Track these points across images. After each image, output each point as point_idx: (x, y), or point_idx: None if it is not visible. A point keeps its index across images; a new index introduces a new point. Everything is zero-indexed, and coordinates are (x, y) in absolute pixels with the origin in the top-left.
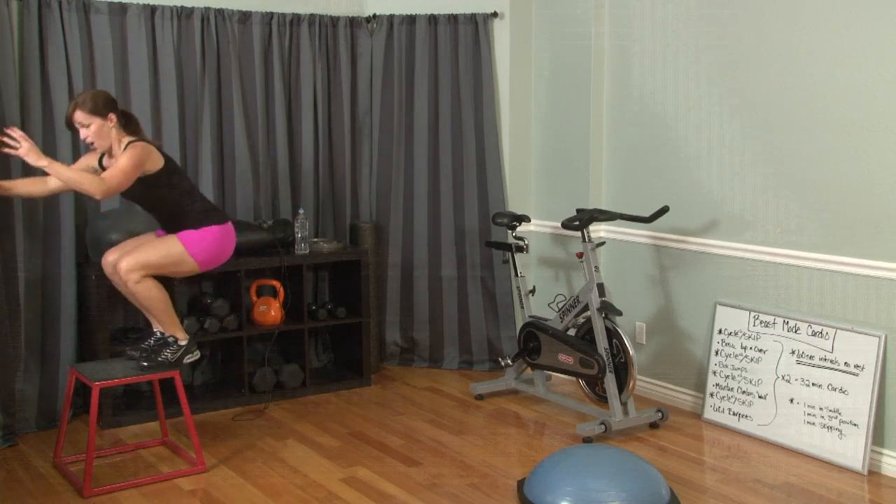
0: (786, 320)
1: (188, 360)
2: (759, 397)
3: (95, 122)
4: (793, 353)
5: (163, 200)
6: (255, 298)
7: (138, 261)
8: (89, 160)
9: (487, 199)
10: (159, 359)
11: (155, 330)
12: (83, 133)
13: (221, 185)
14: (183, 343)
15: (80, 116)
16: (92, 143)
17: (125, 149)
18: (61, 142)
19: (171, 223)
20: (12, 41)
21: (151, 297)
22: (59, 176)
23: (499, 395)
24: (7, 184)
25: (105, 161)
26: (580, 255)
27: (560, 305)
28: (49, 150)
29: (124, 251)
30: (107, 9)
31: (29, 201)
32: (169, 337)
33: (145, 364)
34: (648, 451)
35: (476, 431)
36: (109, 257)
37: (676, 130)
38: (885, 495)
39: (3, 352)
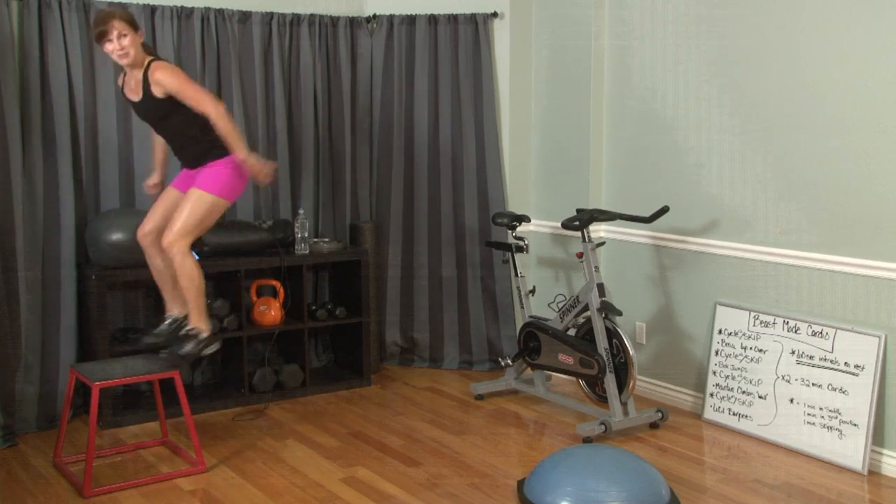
0: (786, 320)
1: (209, 350)
2: (759, 397)
3: (131, 34)
4: (793, 353)
5: (182, 125)
6: (255, 298)
7: (179, 229)
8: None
9: (487, 199)
10: (180, 352)
11: (167, 315)
12: (115, 45)
13: None
14: (204, 336)
15: (120, 25)
16: (125, 55)
17: (149, 68)
18: (61, 141)
19: (185, 151)
20: (12, 41)
21: (193, 278)
22: (240, 143)
23: (499, 395)
24: (160, 161)
25: (127, 78)
26: (580, 255)
27: (560, 305)
28: (49, 149)
29: (159, 223)
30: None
31: (28, 202)
32: (191, 330)
33: (165, 356)
34: (648, 451)
35: (476, 431)
36: (146, 227)
37: (676, 130)
38: (885, 495)
39: (3, 352)
